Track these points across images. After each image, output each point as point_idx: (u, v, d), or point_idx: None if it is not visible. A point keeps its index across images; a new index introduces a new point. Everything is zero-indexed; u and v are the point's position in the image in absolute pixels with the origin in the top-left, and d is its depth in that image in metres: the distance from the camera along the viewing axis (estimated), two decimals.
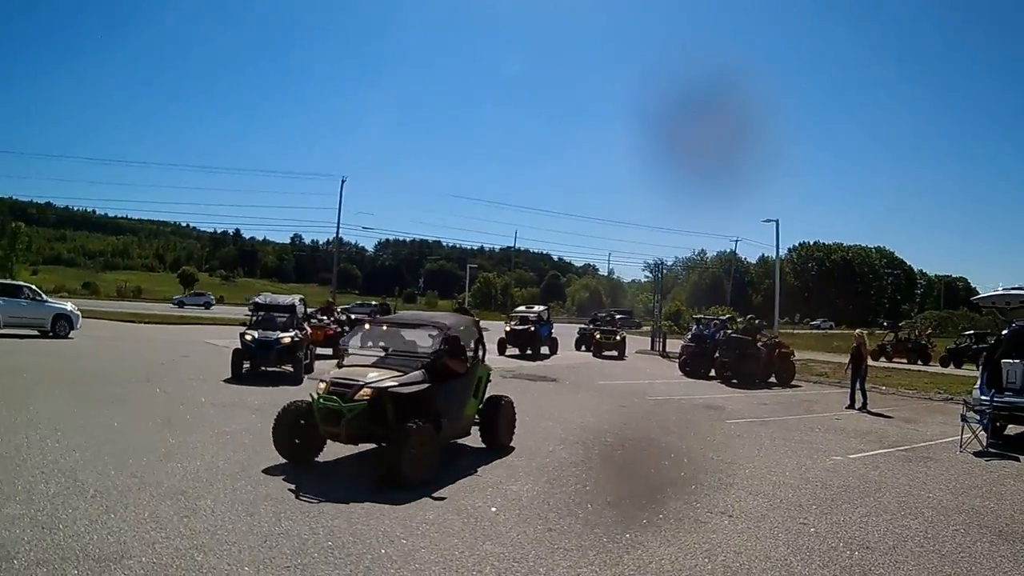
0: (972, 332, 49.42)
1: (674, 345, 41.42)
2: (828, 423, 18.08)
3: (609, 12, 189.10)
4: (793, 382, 27.32)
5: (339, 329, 29.38)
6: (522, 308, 40.17)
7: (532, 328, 35.36)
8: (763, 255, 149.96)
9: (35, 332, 30.39)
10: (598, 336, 38.73)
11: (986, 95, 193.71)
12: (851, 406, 20.94)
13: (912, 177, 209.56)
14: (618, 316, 48.03)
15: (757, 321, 30.72)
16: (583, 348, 41.20)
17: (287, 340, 21.54)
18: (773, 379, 27.03)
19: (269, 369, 21.48)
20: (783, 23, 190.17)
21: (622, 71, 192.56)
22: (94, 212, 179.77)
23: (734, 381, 26.10)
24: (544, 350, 35.85)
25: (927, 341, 49.39)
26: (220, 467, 9.89)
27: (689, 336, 31.81)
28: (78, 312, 33.17)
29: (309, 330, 24.92)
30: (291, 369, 21.52)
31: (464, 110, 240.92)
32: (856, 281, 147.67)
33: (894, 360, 45.80)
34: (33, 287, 33.66)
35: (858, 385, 21.31)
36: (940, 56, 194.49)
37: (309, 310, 27.97)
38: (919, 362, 45.26)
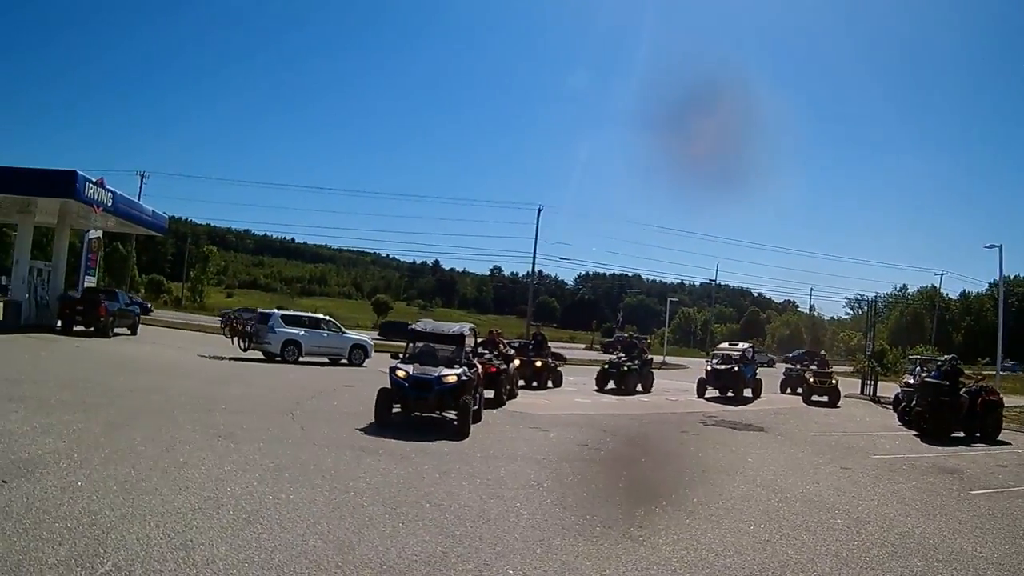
0: None
1: (885, 389, 38.16)
2: None
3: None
4: (1000, 436, 23.29)
5: (503, 366, 23.76)
6: (725, 345, 36.65)
7: (736, 368, 32.05)
8: (964, 290, 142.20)
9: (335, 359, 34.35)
10: (811, 380, 34.19)
11: None
12: None
13: None
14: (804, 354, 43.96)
15: (958, 363, 26.39)
16: (788, 391, 37.89)
17: (451, 379, 16.64)
18: (978, 433, 22.93)
19: (425, 415, 17.11)
20: None
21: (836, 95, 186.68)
22: (293, 240, 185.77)
23: (921, 433, 22.70)
24: (747, 392, 32.72)
25: None
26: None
27: (912, 381, 27.78)
28: (371, 342, 36.93)
29: (480, 367, 19.87)
30: (454, 417, 16.66)
31: (654, 135, 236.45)
32: None
33: None
34: (332, 319, 37.29)
35: None
36: None
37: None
38: None
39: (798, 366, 39.72)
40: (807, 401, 33.06)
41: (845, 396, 34.14)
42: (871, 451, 19.54)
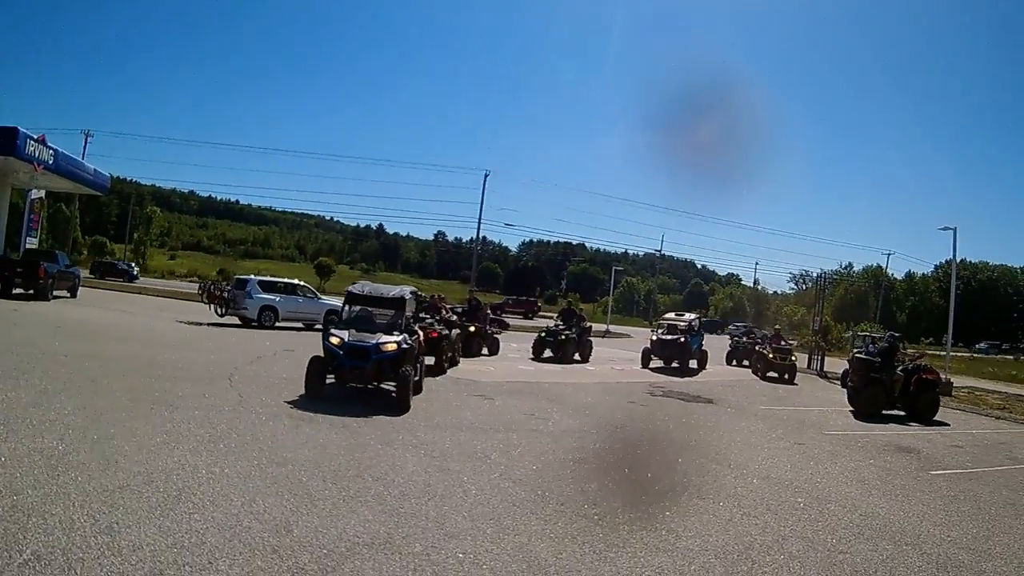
0: None
1: (831, 364, 38.06)
2: None
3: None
4: (938, 417, 22.67)
5: (444, 331, 22.58)
6: (671, 315, 35.90)
7: (683, 339, 31.41)
8: (910, 271, 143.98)
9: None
10: (770, 356, 32.77)
11: None
12: None
13: None
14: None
15: (900, 341, 25.95)
16: (735, 363, 37.68)
17: (391, 347, 15.12)
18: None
19: (360, 386, 15.54)
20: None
21: (781, 74, 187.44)
22: (237, 202, 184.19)
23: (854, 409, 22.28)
24: (692, 364, 32.19)
25: None
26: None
27: (854, 356, 27.42)
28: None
29: (421, 334, 17.99)
30: (393, 389, 15.02)
31: (607, 107, 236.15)
32: (1001, 303, 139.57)
33: None
34: (308, 286, 37.48)
35: None
36: None
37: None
38: None
39: (744, 338, 39.54)
40: (762, 376, 32.39)
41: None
42: (823, 426, 19.22)
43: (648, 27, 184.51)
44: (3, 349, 16.65)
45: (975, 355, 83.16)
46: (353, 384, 15.31)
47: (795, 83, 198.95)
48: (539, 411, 16.64)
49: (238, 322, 32.64)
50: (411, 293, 17.83)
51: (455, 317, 26.55)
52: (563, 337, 30.76)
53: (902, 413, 22.07)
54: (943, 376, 32.04)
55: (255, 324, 32.38)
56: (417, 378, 16.19)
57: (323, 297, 37.60)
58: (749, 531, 8.69)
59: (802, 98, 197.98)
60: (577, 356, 30.95)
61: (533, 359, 29.81)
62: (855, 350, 30.66)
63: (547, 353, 30.35)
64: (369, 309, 17.20)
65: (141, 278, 76.13)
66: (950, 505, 11.41)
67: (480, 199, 77.61)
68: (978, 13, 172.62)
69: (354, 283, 18.93)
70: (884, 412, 21.93)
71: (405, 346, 15.56)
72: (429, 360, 19.74)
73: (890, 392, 22.05)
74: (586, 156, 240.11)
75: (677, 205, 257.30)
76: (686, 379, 28.15)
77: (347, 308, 17.15)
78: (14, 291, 32.23)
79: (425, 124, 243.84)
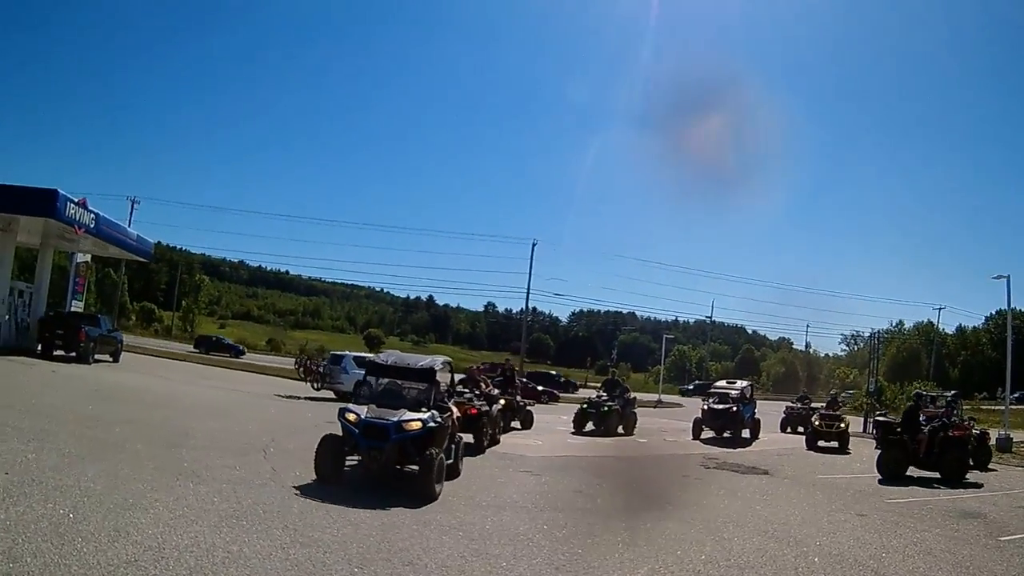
0: None
1: None
2: None
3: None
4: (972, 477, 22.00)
5: (484, 407, 21.05)
6: (722, 383, 35.10)
7: (735, 408, 30.52)
8: (960, 324, 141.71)
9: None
10: (817, 423, 31.54)
11: None
12: None
13: None
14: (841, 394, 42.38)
15: (920, 397, 25.34)
16: (789, 430, 36.87)
17: (414, 425, 13.20)
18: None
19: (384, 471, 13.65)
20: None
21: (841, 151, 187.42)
22: (287, 272, 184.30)
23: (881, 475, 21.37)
24: (745, 433, 31.44)
25: None
26: None
27: (876, 419, 26.50)
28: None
29: (456, 412, 15.86)
30: (417, 470, 13.03)
31: (653, 172, 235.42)
32: None
33: None
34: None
35: None
36: None
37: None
38: None
39: (799, 404, 38.86)
40: (811, 447, 30.61)
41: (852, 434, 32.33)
42: (884, 494, 18.58)
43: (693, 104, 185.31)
44: (34, 410, 16.51)
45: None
46: (372, 468, 13.35)
47: (834, 137, 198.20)
48: (587, 487, 16.11)
49: (332, 396, 33.69)
50: (444, 363, 15.98)
51: (496, 391, 24.44)
52: (606, 409, 29.83)
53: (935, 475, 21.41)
54: (1003, 431, 31.25)
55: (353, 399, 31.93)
56: (451, 460, 14.53)
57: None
58: None
59: (840, 156, 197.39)
60: (621, 429, 30.15)
61: (575, 433, 28.80)
62: (877, 413, 30.05)
63: (589, 426, 29.52)
64: (398, 382, 15.27)
65: (188, 344, 77.52)
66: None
67: (528, 269, 76.85)
68: None
69: (381, 352, 18.71)
70: (918, 475, 21.39)
71: (433, 424, 13.54)
72: (467, 438, 18.53)
73: (913, 454, 21.45)
74: (633, 223, 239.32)
75: (726, 270, 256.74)
76: (739, 449, 27.47)
77: (373, 381, 15.61)
78: (55, 352, 32.49)
79: (474, 194, 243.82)
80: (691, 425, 31.39)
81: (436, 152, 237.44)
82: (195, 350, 69.49)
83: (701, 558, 10.57)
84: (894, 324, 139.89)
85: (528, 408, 29.32)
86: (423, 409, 13.86)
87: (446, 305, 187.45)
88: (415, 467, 13.16)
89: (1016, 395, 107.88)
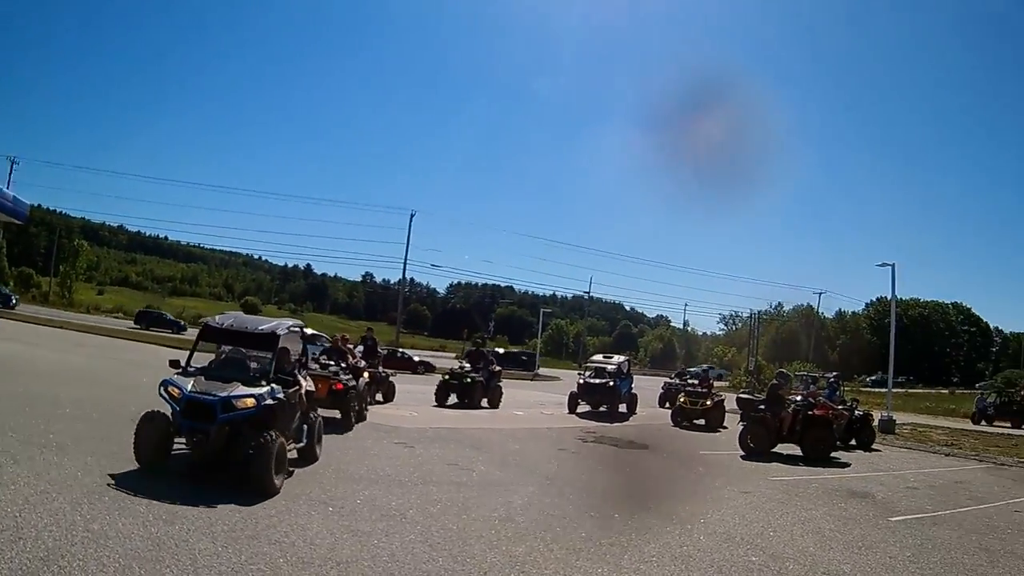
0: None
1: None
2: (1016, 519, 14.23)
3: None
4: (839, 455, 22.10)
5: (351, 381, 19.36)
6: (599, 357, 34.63)
7: (611, 383, 30.04)
8: (840, 309, 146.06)
9: None
10: (683, 400, 30.08)
11: None
12: None
13: (992, 230, 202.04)
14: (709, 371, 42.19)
15: (783, 377, 25.25)
16: (668, 405, 36.59)
17: (247, 402, 10.83)
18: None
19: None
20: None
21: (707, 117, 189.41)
22: (166, 238, 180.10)
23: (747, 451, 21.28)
24: (622, 408, 31.02)
25: None
26: None
27: (738, 397, 26.14)
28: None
29: (307, 385, 13.19)
30: (248, 463, 10.31)
31: (535, 149, 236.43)
32: (932, 338, 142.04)
33: (996, 423, 42.59)
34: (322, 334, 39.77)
35: None
36: None
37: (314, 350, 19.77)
38: None
39: (678, 380, 38.83)
40: (677, 424, 29.05)
41: (729, 411, 31.57)
42: (768, 472, 18.33)
43: (564, 70, 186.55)
44: None
45: (909, 391, 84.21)
46: (194, 457, 11.10)
47: (730, 122, 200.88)
48: (462, 460, 15.67)
49: None
50: (292, 328, 13.21)
51: (364, 363, 22.58)
52: (469, 380, 28.27)
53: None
54: (886, 414, 31.69)
55: None
56: (304, 443, 12.63)
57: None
58: None
59: (732, 137, 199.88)
60: (485, 402, 28.88)
61: (436, 406, 26.93)
62: (740, 391, 30.11)
63: (452, 399, 28.10)
64: (242, 350, 12.84)
65: (66, 311, 75.44)
66: (919, 556, 10.56)
67: (406, 239, 75.45)
68: (916, 61, 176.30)
69: (218, 315, 14.10)
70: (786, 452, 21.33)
71: (271, 401, 11.22)
72: (333, 413, 17.72)
73: (776, 431, 21.38)
74: (513, 198, 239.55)
75: (605, 246, 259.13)
76: (617, 424, 27.19)
77: (218, 349, 13.25)
78: None
79: (353, 162, 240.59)
80: (567, 399, 30.87)
81: (317, 119, 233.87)
82: (135, 325, 67.50)
83: (581, 535, 10.12)
84: (774, 306, 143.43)
85: (391, 379, 27.61)
86: (262, 383, 11.43)
87: (324, 274, 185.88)
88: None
89: (900, 379, 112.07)
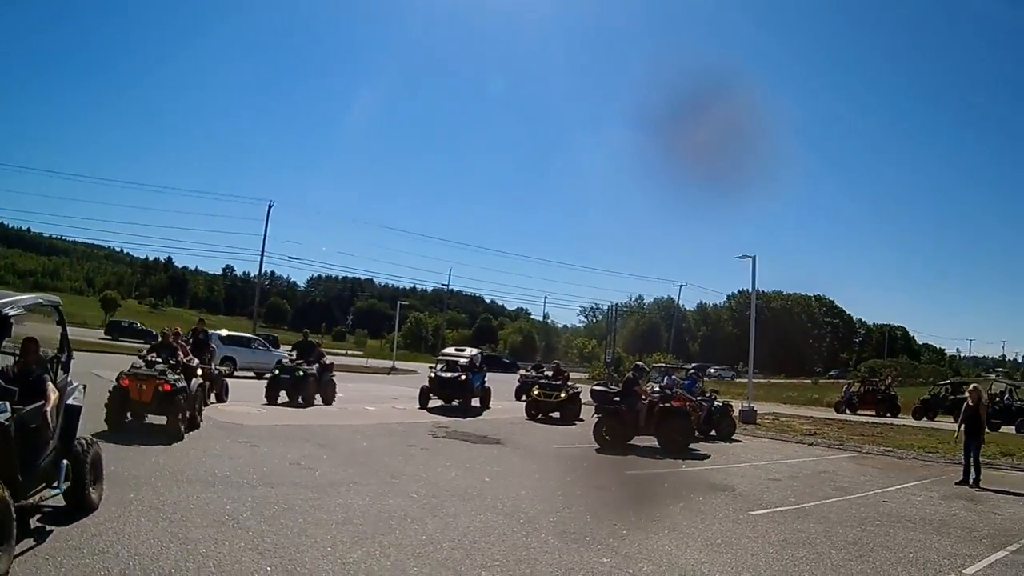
0: (949, 382, 46.93)
1: None
2: (884, 510, 13.93)
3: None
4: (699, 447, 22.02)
5: (180, 383, 16.73)
6: (451, 350, 34.04)
7: (463, 376, 29.53)
8: (701, 301, 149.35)
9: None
10: (536, 393, 30.17)
11: (936, 154, 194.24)
12: (964, 480, 17.23)
13: (853, 227, 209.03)
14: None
15: (638, 369, 25.07)
16: (524, 398, 36.28)
17: None
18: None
19: None
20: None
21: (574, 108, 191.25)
22: (29, 230, 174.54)
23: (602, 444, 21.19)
24: (475, 402, 30.50)
25: (894, 391, 46.44)
26: None
27: (592, 389, 25.33)
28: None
29: (53, 392, 8.62)
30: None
31: (396, 140, 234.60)
32: (795, 330, 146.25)
33: (859, 412, 43.72)
34: (261, 339, 46.84)
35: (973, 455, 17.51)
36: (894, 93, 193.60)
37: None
38: (887, 414, 42.62)
39: (534, 373, 38.49)
40: (531, 416, 28.95)
41: (586, 403, 31.33)
42: (623, 466, 18.11)
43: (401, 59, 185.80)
44: None
45: (772, 381, 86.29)
46: None
47: (586, 114, 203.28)
48: (307, 459, 15.13)
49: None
50: (28, 307, 8.86)
51: (196, 361, 20.00)
52: (301, 374, 26.30)
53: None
54: (746, 404, 31.95)
55: (217, 372, 32.37)
56: (58, 489, 8.51)
57: (275, 350, 43.93)
58: None
59: (591, 127, 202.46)
60: (319, 398, 26.85)
61: (268, 404, 24.94)
62: (651, 383, 29.85)
63: (283, 397, 26.05)
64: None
65: None
66: (782, 552, 10.19)
67: (264, 230, 73.39)
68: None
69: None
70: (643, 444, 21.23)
71: None
72: (160, 420, 16.19)
73: (633, 423, 21.28)
74: (374, 190, 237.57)
75: (466, 239, 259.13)
76: (470, 419, 26.78)
77: None
78: None
79: (213, 151, 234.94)
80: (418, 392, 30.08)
81: (177, 107, 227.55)
82: (105, 336, 65.69)
83: (422, 538, 9.64)
84: (634, 299, 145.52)
85: (224, 377, 26.18)
86: None
87: (185, 267, 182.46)
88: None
89: (782, 374, 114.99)
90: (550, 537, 10.08)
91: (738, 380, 67.08)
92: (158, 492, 10.62)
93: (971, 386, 19.35)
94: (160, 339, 20.44)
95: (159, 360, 17.56)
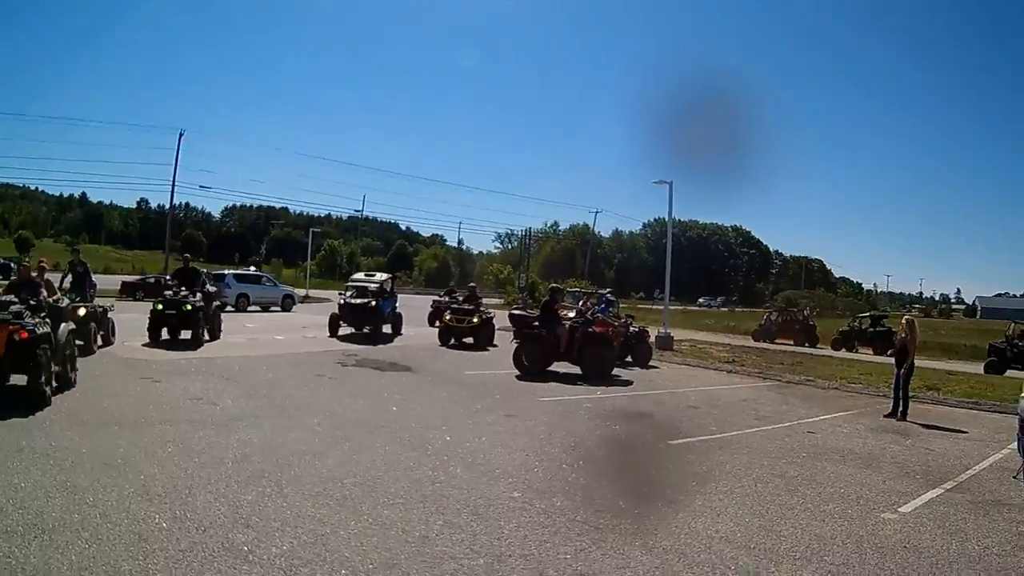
0: (870, 314, 47.34)
1: None
2: (810, 442, 13.48)
3: None
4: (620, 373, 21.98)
5: (43, 329, 12.52)
6: (360, 276, 33.69)
7: (373, 303, 29.29)
8: (617, 228, 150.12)
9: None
10: (448, 318, 29.55)
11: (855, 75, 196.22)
12: (892, 413, 16.86)
13: (771, 156, 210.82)
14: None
15: (556, 291, 24.56)
16: (438, 324, 35.87)
17: None
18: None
19: None
20: None
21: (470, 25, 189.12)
22: None
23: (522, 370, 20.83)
24: (386, 328, 30.13)
25: (812, 322, 46.92)
26: None
27: (511, 313, 25.61)
28: (297, 293, 50.17)
29: None
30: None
31: (309, 63, 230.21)
32: (711, 259, 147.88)
33: (777, 341, 44.10)
34: (270, 276, 53.47)
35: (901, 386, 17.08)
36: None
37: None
38: (806, 344, 43.18)
39: (446, 299, 38.03)
40: (444, 343, 28.62)
41: (500, 329, 30.28)
42: (536, 392, 17.62)
43: None
44: None
45: (688, 308, 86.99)
46: None
47: (504, 30, 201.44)
48: (209, 393, 14.45)
49: None
50: None
51: (67, 302, 16.85)
52: (188, 308, 22.60)
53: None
54: (663, 330, 31.88)
55: (232, 308, 39.75)
56: None
57: (280, 284, 50.29)
58: (445, 543, 6.85)
59: (503, 52, 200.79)
60: (206, 335, 23.52)
61: (148, 345, 21.48)
62: (513, 307, 29.53)
63: (164, 334, 22.80)
64: None
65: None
66: (704, 484, 9.73)
67: (175, 160, 71.31)
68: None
69: None
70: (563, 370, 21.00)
71: None
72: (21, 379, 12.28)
73: (553, 348, 21.05)
74: (287, 117, 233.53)
75: (381, 164, 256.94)
76: (381, 346, 26.23)
77: None
78: None
79: (126, 78, 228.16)
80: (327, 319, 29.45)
81: (86, 32, 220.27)
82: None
83: (323, 474, 9.12)
84: (549, 225, 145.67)
85: (111, 316, 21.80)
86: None
87: (100, 203, 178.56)
88: None
89: (703, 300, 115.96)
90: (459, 470, 9.58)
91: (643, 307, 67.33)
92: (51, 437, 10.04)
93: (905, 318, 19.10)
94: (19, 275, 15.92)
95: (15, 301, 13.42)
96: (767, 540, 7.49)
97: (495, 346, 27.94)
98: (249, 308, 42.70)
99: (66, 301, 16.54)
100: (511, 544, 6.86)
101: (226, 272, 45.26)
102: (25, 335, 12.02)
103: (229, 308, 38.02)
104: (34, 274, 15.57)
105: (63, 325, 14.04)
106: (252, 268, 56.27)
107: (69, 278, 21.81)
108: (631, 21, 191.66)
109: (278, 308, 44.72)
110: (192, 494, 7.88)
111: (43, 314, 13.40)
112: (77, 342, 15.72)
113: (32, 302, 13.54)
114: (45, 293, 14.80)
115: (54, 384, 12.76)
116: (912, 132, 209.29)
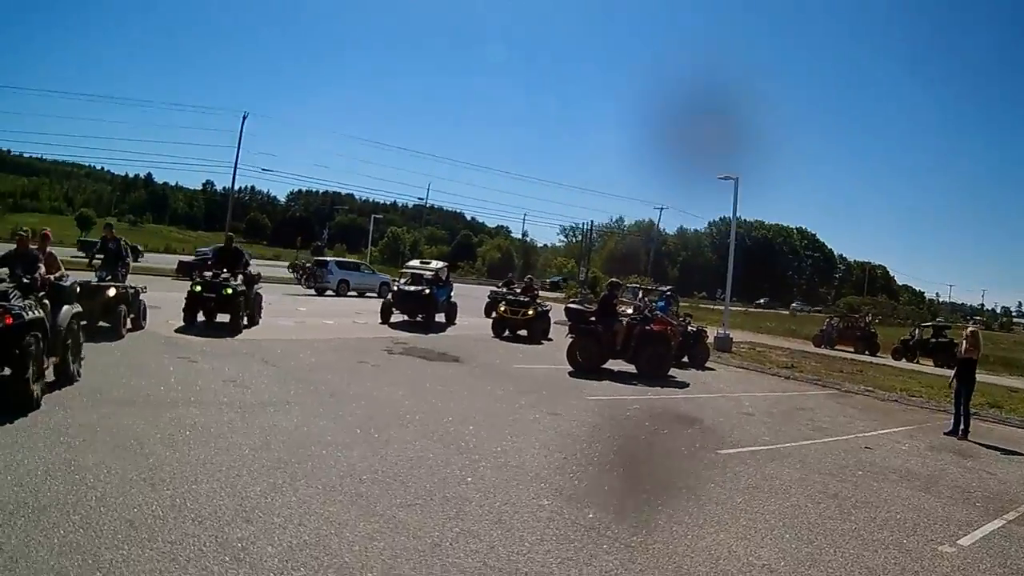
0: (932, 324, 46.10)
1: None
2: (867, 458, 12.68)
3: None
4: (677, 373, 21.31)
5: (31, 314, 10.07)
6: (415, 263, 33.06)
7: (427, 290, 28.82)
8: (682, 226, 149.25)
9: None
10: (503, 309, 28.76)
11: (925, 98, 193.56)
12: (953, 431, 16.00)
13: (841, 162, 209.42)
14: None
15: (614, 286, 23.77)
16: (494, 314, 35.46)
17: None
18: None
19: None
20: None
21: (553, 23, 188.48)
22: (9, 152, 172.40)
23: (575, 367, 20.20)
24: (440, 317, 29.85)
25: (874, 329, 45.91)
26: None
27: (567, 307, 24.69)
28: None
29: None
30: None
31: (381, 54, 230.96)
32: (776, 260, 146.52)
33: (837, 347, 42.88)
34: (367, 264, 57.70)
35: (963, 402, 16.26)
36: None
37: None
38: (867, 352, 41.92)
39: (504, 289, 37.58)
40: (498, 334, 28.03)
41: (556, 323, 29.87)
42: (584, 390, 17.01)
43: None
44: None
45: (749, 310, 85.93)
46: None
47: (573, 33, 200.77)
48: (245, 376, 13.98)
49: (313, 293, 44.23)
50: None
51: (68, 277, 13.34)
52: (229, 291, 21.12)
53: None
54: (722, 331, 31.18)
55: (332, 293, 44.73)
56: None
57: (378, 272, 53.59)
58: (463, 558, 6.25)
59: (573, 49, 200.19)
60: (245, 319, 21.91)
61: (181, 329, 20.07)
62: (570, 301, 28.83)
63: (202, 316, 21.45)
64: None
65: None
66: (751, 501, 9.05)
67: (238, 143, 71.84)
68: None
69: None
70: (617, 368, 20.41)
71: None
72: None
73: (608, 345, 20.40)
74: (355, 103, 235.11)
75: (449, 154, 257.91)
76: (432, 335, 25.75)
77: None
78: None
79: (192, 63, 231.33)
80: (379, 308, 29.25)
81: (153, 18, 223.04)
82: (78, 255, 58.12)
83: (343, 467, 8.62)
84: (614, 220, 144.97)
85: (143, 299, 20.45)
86: None
87: (165, 183, 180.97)
88: None
89: (763, 302, 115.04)
90: (488, 471, 9.03)
91: (704, 306, 66.65)
92: (71, 414, 9.65)
93: (968, 330, 18.12)
94: (16, 246, 13.03)
95: (3, 278, 11.07)
96: (813, 573, 6.82)
97: (550, 340, 27.37)
98: (348, 293, 45.58)
99: (71, 279, 13.40)
100: (530, 559, 6.29)
101: (328, 259, 50.62)
102: (9, 320, 9.84)
103: (329, 293, 44.45)
104: (34, 246, 13.31)
105: (65, 308, 11.94)
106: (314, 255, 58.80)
107: (101, 256, 20.09)
108: (698, 21, 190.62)
109: (375, 294, 44.99)
110: (198, 481, 7.48)
111: (40, 294, 11.38)
112: (104, 324, 15.59)
113: (26, 279, 11.32)
114: (43, 269, 12.34)
115: (50, 379, 10.91)
116: (981, 142, 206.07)
